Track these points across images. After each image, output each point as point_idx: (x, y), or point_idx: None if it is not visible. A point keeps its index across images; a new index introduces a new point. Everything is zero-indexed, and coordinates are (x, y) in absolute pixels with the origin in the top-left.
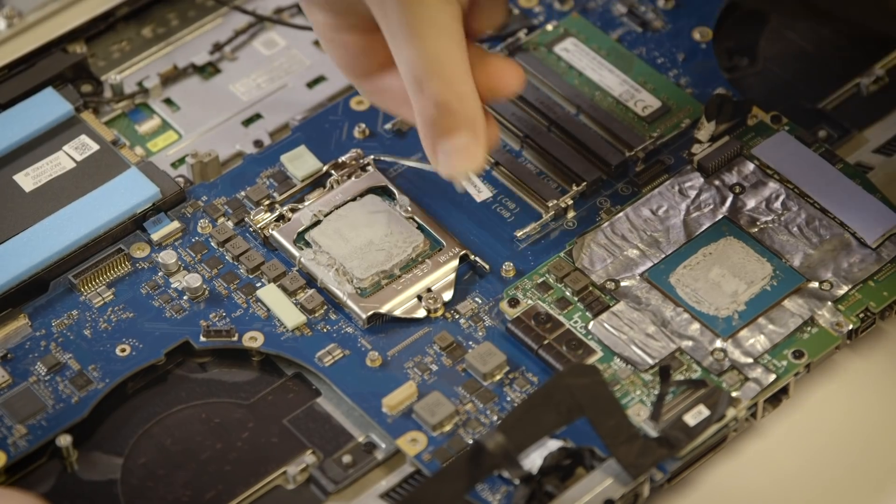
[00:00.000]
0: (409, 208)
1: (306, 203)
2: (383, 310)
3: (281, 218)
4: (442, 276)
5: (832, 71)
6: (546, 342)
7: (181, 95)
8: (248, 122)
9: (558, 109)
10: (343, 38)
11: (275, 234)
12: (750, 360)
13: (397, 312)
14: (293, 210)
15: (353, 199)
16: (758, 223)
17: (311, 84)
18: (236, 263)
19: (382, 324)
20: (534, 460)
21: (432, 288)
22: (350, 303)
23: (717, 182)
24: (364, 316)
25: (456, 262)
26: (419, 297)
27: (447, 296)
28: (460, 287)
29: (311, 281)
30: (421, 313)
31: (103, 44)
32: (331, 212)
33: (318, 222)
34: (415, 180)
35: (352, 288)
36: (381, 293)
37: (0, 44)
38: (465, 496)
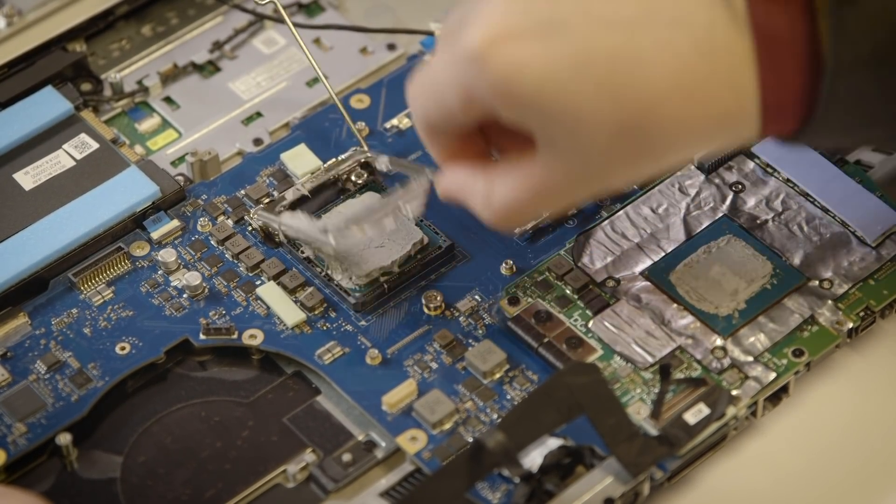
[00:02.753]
0: (390, 166)
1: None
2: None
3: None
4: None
5: None
6: (546, 340)
7: (181, 94)
8: (248, 121)
9: None
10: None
11: (259, 214)
12: (750, 359)
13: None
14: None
15: (352, 196)
16: (758, 221)
17: (311, 83)
18: (236, 261)
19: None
20: (534, 458)
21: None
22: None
23: (717, 180)
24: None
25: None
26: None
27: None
28: (460, 286)
29: (310, 279)
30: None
31: (103, 42)
32: (329, 209)
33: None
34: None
35: (350, 283)
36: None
37: (0, 42)
38: (465, 494)
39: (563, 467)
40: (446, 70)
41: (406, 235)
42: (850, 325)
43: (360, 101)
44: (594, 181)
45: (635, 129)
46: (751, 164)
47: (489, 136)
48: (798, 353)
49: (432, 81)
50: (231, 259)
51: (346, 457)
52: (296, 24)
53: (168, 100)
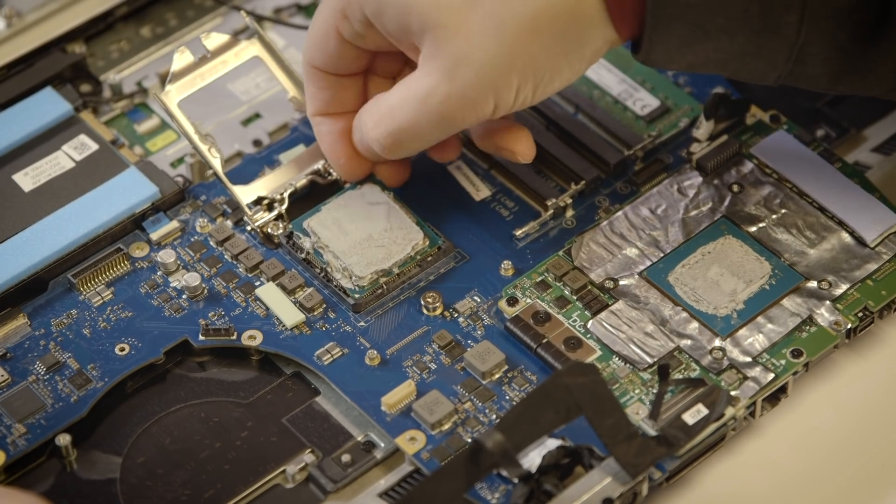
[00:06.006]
0: None
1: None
2: None
3: (280, 217)
4: None
5: None
6: (545, 341)
7: None
8: (247, 122)
9: (557, 108)
10: (328, 78)
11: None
12: (748, 359)
13: None
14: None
15: (353, 188)
16: (756, 222)
17: None
18: (235, 262)
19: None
20: (532, 459)
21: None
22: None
23: (715, 181)
24: None
25: None
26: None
27: None
28: (459, 287)
29: (309, 280)
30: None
31: (102, 43)
32: (330, 201)
33: (315, 210)
34: (414, 177)
35: (349, 283)
36: None
37: None
38: (464, 495)
39: (562, 468)
40: (324, 5)
41: (406, 236)
42: (849, 325)
43: None
44: (473, 81)
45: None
46: (749, 165)
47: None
48: (796, 354)
49: (314, 22)
50: (230, 260)
51: (346, 457)
52: (295, 25)
53: None
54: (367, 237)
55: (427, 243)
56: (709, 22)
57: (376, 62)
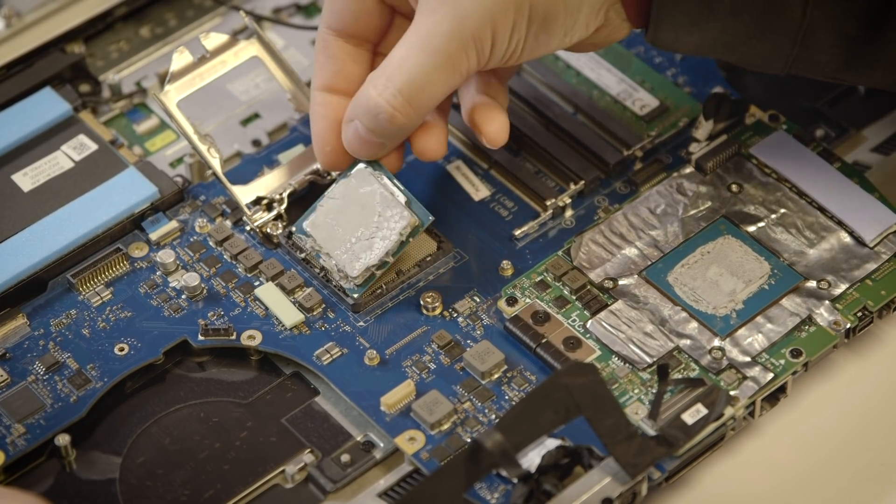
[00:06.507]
0: None
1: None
2: None
3: (279, 217)
4: None
5: None
6: (544, 341)
7: None
8: (246, 122)
9: (556, 108)
10: (339, 44)
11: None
12: (748, 359)
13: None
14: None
15: (344, 178)
16: (756, 222)
17: (310, 83)
18: (234, 262)
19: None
20: (532, 459)
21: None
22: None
23: (715, 181)
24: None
25: None
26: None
27: None
28: (458, 286)
29: (308, 280)
30: None
31: (101, 44)
32: (325, 196)
33: (312, 209)
34: (413, 178)
35: (347, 283)
36: None
37: None
38: (464, 495)
39: (562, 468)
40: None
41: (395, 222)
42: (848, 325)
43: None
44: (471, 27)
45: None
46: (749, 165)
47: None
48: (796, 354)
49: None
50: (229, 260)
51: (345, 457)
52: (294, 25)
53: None
54: (359, 232)
55: (416, 223)
56: (715, 0)
57: (387, 39)
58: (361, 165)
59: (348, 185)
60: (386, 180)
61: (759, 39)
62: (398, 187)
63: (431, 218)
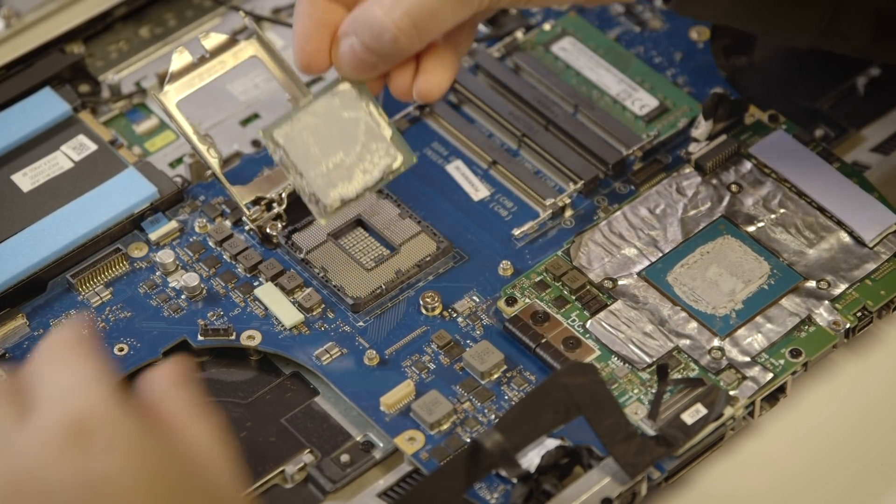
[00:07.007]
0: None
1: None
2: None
3: (279, 217)
4: None
5: (829, 70)
6: (544, 341)
7: None
8: (245, 122)
9: (556, 108)
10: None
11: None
12: (747, 359)
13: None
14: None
15: (329, 94)
16: (755, 222)
17: (309, 84)
18: (234, 262)
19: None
20: (531, 459)
21: None
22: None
23: (714, 181)
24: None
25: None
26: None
27: None
28: (458, 286)
29: (308, 280)
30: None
31: (101, 44)
32: (301, 108)
33: (287, 118)
34: (414, 178)
35: (316, 208)
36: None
37: None
38: (463, 495)
39: (561, 468)
40: None
41: (380, 157)
42: (848, 325)
43: None
44: None
45: None
46: (748, 165)
47: None
48: (795, 354)
49: None
50: (229, 260)
51: (345, 457)
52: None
53: None
54: (337, 158)
55: (401, 164)
56: None
57: None
58: (347, 86)
59: (331, 105)
60: (372, 107)
61: (789, 7)
62: (383, 118)
63: (415, 160)
